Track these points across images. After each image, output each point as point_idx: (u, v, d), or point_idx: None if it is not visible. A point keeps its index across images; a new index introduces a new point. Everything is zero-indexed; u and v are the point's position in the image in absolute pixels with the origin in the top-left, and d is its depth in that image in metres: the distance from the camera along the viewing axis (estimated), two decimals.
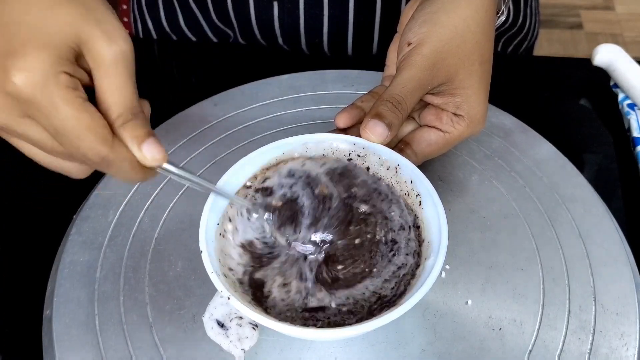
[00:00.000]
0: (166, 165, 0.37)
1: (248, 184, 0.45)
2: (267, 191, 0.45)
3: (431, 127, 0.48)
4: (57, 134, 0.34)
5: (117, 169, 0.36)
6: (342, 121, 0.47)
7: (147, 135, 0.35)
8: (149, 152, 0.35)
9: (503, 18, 0.52)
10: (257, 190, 0.45)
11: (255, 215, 0.43)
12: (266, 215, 0.43)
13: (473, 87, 0.46)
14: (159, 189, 0.51)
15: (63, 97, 0.33)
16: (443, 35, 0.45)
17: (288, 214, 0.43)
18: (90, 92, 0.35)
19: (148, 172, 0.37)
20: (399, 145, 0.48)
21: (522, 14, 0.75)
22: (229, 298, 0.37)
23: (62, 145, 0.34)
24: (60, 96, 0.33)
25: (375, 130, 0.43)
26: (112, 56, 0.34)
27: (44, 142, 0.35)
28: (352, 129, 0.47)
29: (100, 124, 0.34)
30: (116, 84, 0.34)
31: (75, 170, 0.38)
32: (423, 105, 0.49)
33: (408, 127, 0.49)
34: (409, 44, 0.45)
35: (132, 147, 0.35)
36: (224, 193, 0.42)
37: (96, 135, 0.34)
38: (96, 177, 0.52)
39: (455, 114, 0.46)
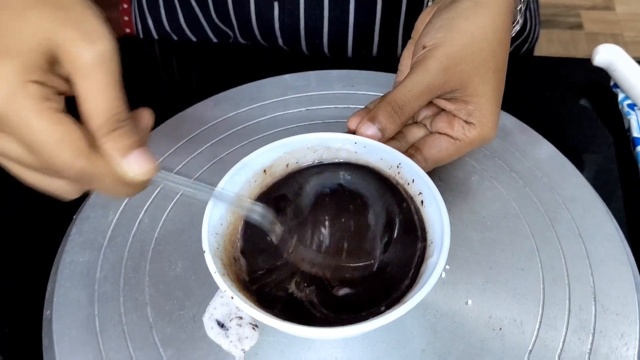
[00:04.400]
0: (158, 176, 0.34)
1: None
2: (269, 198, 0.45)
3: (442, 133, 0.48)
4: (30, 148, 0.31)
5: (99, 185, 0.33)
6: (354, 124, 0.47)
7: (131, 146, 0.32)
8: (132, 166, 0.32)
9: (518, 27, 0.52)
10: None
11: (257, 218, 0.42)
12: (267, 218, 0.42)
13: (486, 95, 0.46)
14: (159, 188, 0.51)
15: (32, 108, 0.30)
16: (459, 40, 0.45)
17: (292, 219, 0.43)
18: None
19: (136, 186, 0.34)
20: (409, 150, 0.48)
21: (522, 16, 0.75)
22: (232, 298, 0.37)
23: (39, 161, 0.32)
24: (28, 108, 0.30)
25: (366, 133, 0.44)
26: (90, 58, 0.31)
27: (22, 158, 0.32)
28: None
29: (75, 137, 0.31)
30: (97, 89, 0.31)
31: (65, 189, 0.35)
32: (435, 112, 0.49)
33: (419, 133, 0.49)
34: (424, 47, 0.45)
35: (112, 160, 0.32)
36: (224, 197, 0.41)
37: (71, 148, 0.31)
38: None
39: (466, 122, 0.46)
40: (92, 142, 0.32)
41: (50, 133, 0.31)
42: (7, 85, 0.30)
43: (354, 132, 0.47)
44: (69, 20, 0.31)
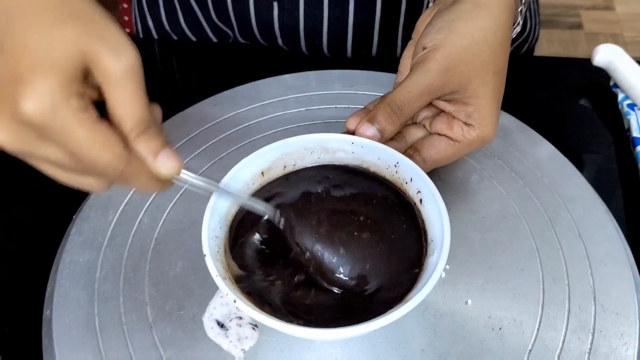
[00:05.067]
0: (183, 175, 0.37)
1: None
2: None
3: (442, 135, 0.48)
4: (74, 155, 0.33)
5: (135, 182, 0.36)
6: (353, 124, 0.47)
7: (161, 146, 0.35)
8: (164, 164, 0.35)
9: (518, 29, 0.52)
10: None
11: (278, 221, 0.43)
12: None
13: (486, 97, 0.46)
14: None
15: (75, 120, 0.32)
16: (459, 42, 0.45)
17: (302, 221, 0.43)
18: (102, 105, 0.34)
19: (166, 182, 0.37)
20: (408, 151, 0.48)
21: (522, 18, 0.75)
22: (235, 301, 0.37)
23: (80, 165, 0.34)
24: (72, 120, 0.32)
25: (365, 134, 0.45)
26: (120, 71, 0.33)
27: (63, 162, 0.34)
28: None
29: (114, 142, 0.34)
30: (126, 98, 0.34)
31: (97, 185, 0.37)
32: (435, 113, 0.49)
33: (418, 134, 0.49)
34: (424, 48, 0.46)
35: (147, 160, 0.35)
36: (249, 203, 0.42)
37: (112, 153, 0.33)
38: None
39: (466, 123, 0.46)
40: (126, 145, 0.34)
41: (93, 141, 0.33)
42: (51, 100, 0.32)
43: (352, 133, 0.47)
44: (98, 34, 0.33)
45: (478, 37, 0.45)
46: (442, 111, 0.48)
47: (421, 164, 0.47)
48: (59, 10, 0.33)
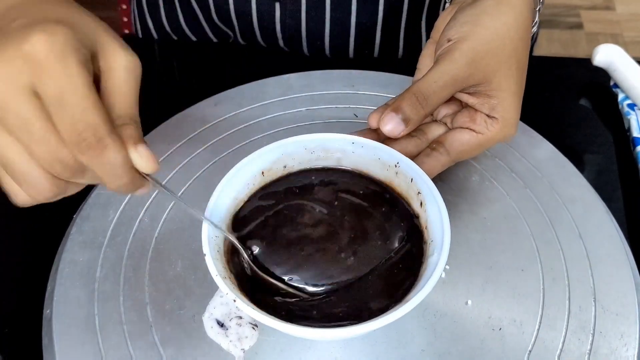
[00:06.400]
0: (157, 177, 0.37)
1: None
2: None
3: (464, 128, 0.47)
4: (59, 104, 0.33)
5: (109, 164, 0.34)
6: (375, 119, 0.46)
7: (142, 141, 0.35)
8: (142, 154, 0.35)
9: (535, 29, 0.52)
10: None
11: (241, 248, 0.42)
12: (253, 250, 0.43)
13: (509, 91, 0.46)
14: (156, 191, 0.51)
15: (78, 68, 0.33)
16: (484, 35, 0.45)
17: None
18: None
19: (137, 180, 0.36)
20: (431, 145, 0.48)
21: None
22: (234, 300, 0.37)
23: (58, 123, 0.33)
24: (75, 65, 0.33)
25: (389, 124, 0.44)
26: (126, 63, 0.35)
27: (35, 122, 0.33)
28: None
29: (102, 107, 0.34)
30: (124, 89, 0.35)
31: (52, 187, 0.36)
32: (455, 110, 0.49)
33: (439, 131, 0.49)
34: (449, 40, 0.46)
35: (127, 143, 0.35)
36: (210, 222, 0.41)
37: (100, 113, 0.33)
38: None
39: (489, 116, 0.46)
40: (112, 123, 0.35)
41: (87, 95, 0.33)
42: (63, 41, 0.33)
43: (376, 130, 0.46)
44: (113, 35, 0.36)
45: (502, 32, 0.45)
46: (464, 107, 0.48)
47: (444, 156, 0.46)
48: (78, 8, 0.37)
